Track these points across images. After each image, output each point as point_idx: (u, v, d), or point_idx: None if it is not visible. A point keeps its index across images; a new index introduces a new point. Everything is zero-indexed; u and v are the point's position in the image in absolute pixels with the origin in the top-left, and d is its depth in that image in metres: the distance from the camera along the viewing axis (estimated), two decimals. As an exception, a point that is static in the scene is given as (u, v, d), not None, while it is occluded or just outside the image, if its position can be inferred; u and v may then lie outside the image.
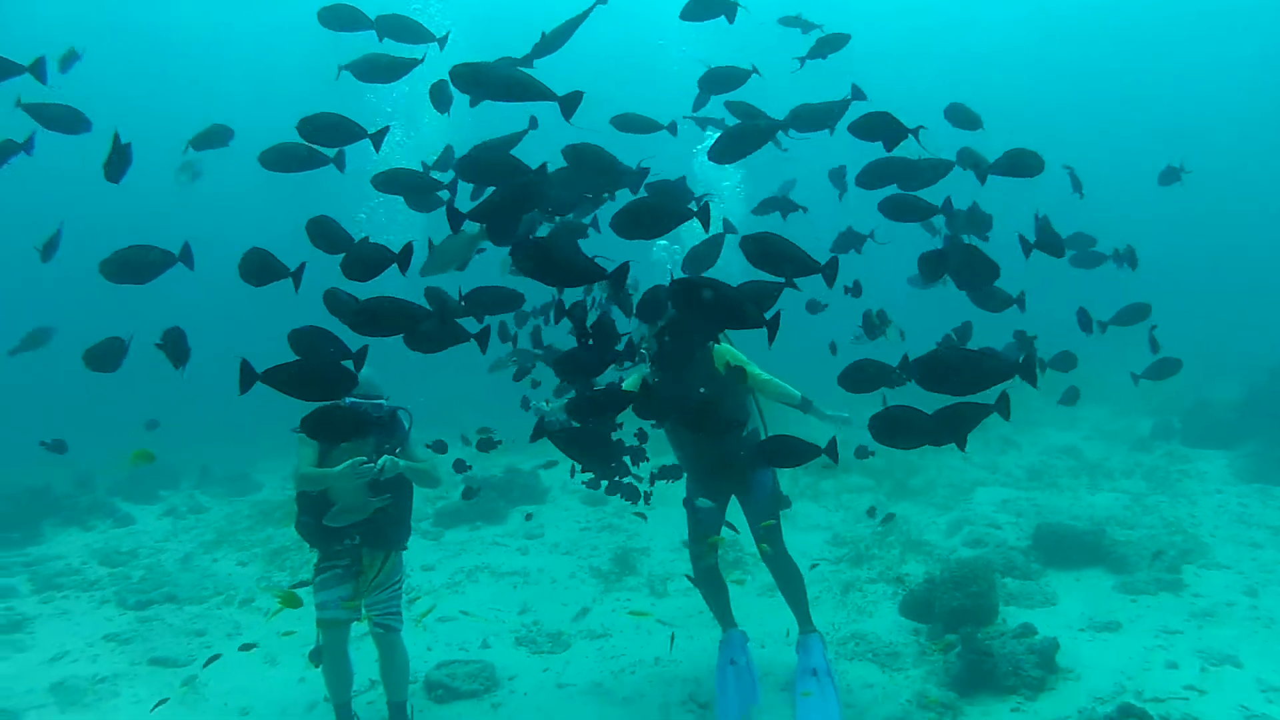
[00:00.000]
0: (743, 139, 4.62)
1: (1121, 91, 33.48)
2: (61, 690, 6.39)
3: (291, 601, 5.37)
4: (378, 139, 4.84)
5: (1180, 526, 9.02)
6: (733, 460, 5.60)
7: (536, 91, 4.18)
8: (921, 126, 4.69)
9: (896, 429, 3.86)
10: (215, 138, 6.23)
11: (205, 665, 6.58)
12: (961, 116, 5.70)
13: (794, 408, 5.64)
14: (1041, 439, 14.50)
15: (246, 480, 14.55)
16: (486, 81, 4.14)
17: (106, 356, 4.45)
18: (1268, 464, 11.03)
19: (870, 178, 4.84)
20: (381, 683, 5.53)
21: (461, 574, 8.96)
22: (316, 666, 5.35)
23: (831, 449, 4.15)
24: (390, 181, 4.84)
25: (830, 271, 3.94)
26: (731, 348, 5.69)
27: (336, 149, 4.60)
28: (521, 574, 8.89)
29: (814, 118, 4.94)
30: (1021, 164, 5.00)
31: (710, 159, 4.71)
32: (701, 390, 5.44)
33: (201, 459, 15.39)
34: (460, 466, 6.43)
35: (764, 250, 3.89)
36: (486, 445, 6.63)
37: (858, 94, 4.96)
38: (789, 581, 5.88)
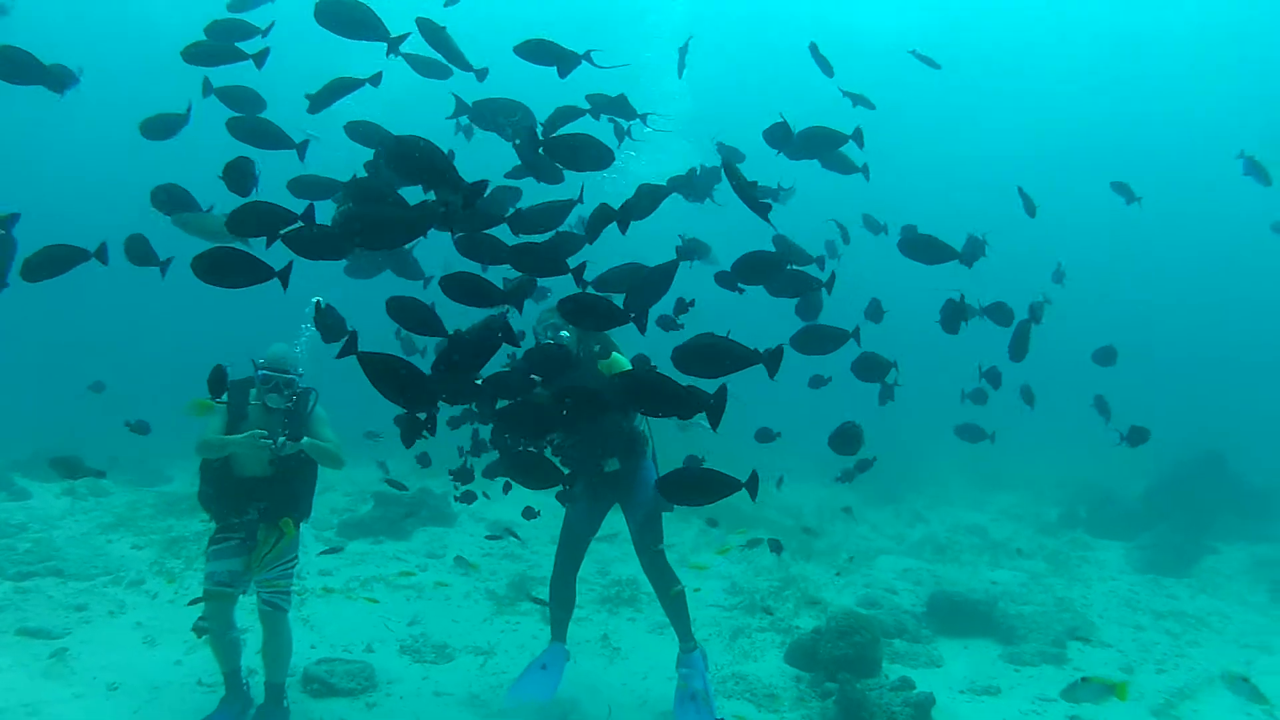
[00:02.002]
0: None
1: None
2: (-90, 650, 6.18)
3: (202, 409, 5.24)
4: (302, 149, 4.96)
5: (1071, 606, 9.27)
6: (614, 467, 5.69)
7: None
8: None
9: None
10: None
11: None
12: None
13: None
14: (951, 516, 14.79)
15: (156, 472, 14.20)
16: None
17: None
18: (1161, 556, 11.47)
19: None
20: (261, 664, 5.48)
21: (356, 582, 8.86)
22: (200, 638, 5.32)
23: (753, 484, 4.00)
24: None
25: (774, 363, 3.93)
26: (620, 357, 5.67)
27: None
28: (417, 589, 8.80)
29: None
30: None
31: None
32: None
33: (113, 450, 14.99)
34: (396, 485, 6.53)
35: (699, 355, 3.92)
36: (464, 476, 6.77)
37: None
38: (668, 592, 5.87)
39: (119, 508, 11.43)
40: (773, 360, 3.90)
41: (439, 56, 6.10)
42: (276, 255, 3.71)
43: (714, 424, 3.76)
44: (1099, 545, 12.87)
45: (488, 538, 6.61)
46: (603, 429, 5.59)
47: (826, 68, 8.00)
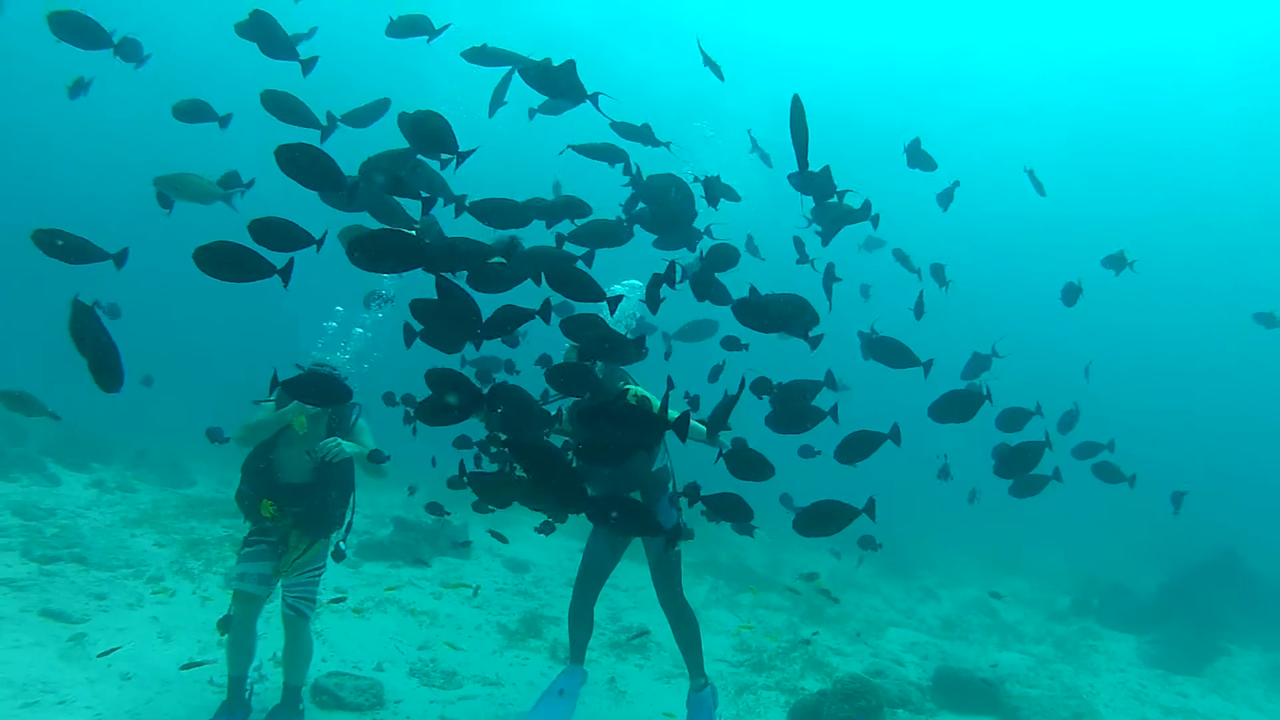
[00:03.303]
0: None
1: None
2: (-67, 620, 6.33)
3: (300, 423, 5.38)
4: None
5: (1078, 694, 9.19)
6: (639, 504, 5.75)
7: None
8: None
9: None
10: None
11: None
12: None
13: (704, 443, 5.52)
14: (961, 594, 14.71)
15: (181, 473, 14.43)
16: None
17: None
18: (1172, 652, 11.33)
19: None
20: (281, 665, 5.61)
21: (371, 602, 8.94)
22: (223, 635, 5.41)
23: (870, 509, 4.20)
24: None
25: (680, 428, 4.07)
26: (640, 389, 5.77)
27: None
28: (430, 615, 8.87)
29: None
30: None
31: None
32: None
33: (141, 442, 15.28)
34: (436, 510, 6.61)
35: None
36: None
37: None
38: (683, 625, 5.92)
39: (144, 505, 11.62)
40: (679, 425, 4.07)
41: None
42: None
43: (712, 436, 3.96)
44: (1110, 636, 12.74)
45: (427, 509, 6.65)
46: (630, 465, 5.69)
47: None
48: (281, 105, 5.21)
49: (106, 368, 3.56)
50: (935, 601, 14.11)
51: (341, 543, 5.64)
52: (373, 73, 23.08)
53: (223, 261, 3.65)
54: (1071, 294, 8.41)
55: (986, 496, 8.30)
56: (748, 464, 4.40)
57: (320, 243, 3.84)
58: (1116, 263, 8.72)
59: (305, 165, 3.94)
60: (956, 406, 5.21)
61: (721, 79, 7.95)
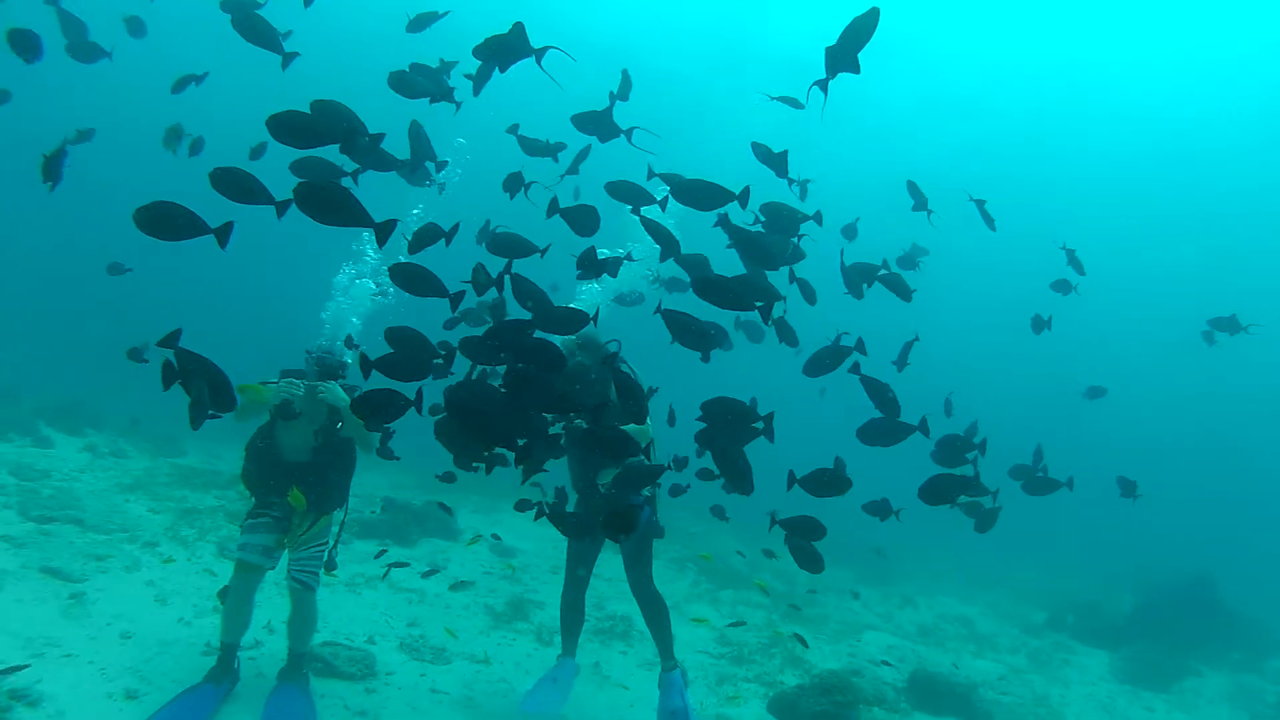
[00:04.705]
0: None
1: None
2: (-62, 573, 6.44)
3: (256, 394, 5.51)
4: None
5: (1048, 703, 9.41)
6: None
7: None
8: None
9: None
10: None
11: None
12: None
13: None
14: (939, 604, 14.92)
15: (173, 443, 14.52)
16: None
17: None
18: (1143, 670, 11.57)
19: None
20: (286, 634, 5.77)
21: (361, 579, 9.07)
22: (221, 603, 5.55)
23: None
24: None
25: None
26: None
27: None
28: (419, 593, 9.01)
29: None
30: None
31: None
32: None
33: (134, 410, 15.34)
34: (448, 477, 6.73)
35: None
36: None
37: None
38: (654, 612, 6.14)
39: (136, 471, 11.71)
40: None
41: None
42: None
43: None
44: (1083, 651, 12.97)
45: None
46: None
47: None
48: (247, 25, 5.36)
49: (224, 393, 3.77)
50: (913, 609, 14.31)
51: (335, 552, 5.83)
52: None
53: (162, 221, 3.66)
54: (1039, 325, 8.68)
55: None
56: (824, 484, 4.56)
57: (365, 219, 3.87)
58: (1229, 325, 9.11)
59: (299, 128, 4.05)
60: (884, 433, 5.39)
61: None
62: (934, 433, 5.66)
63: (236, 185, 3.77)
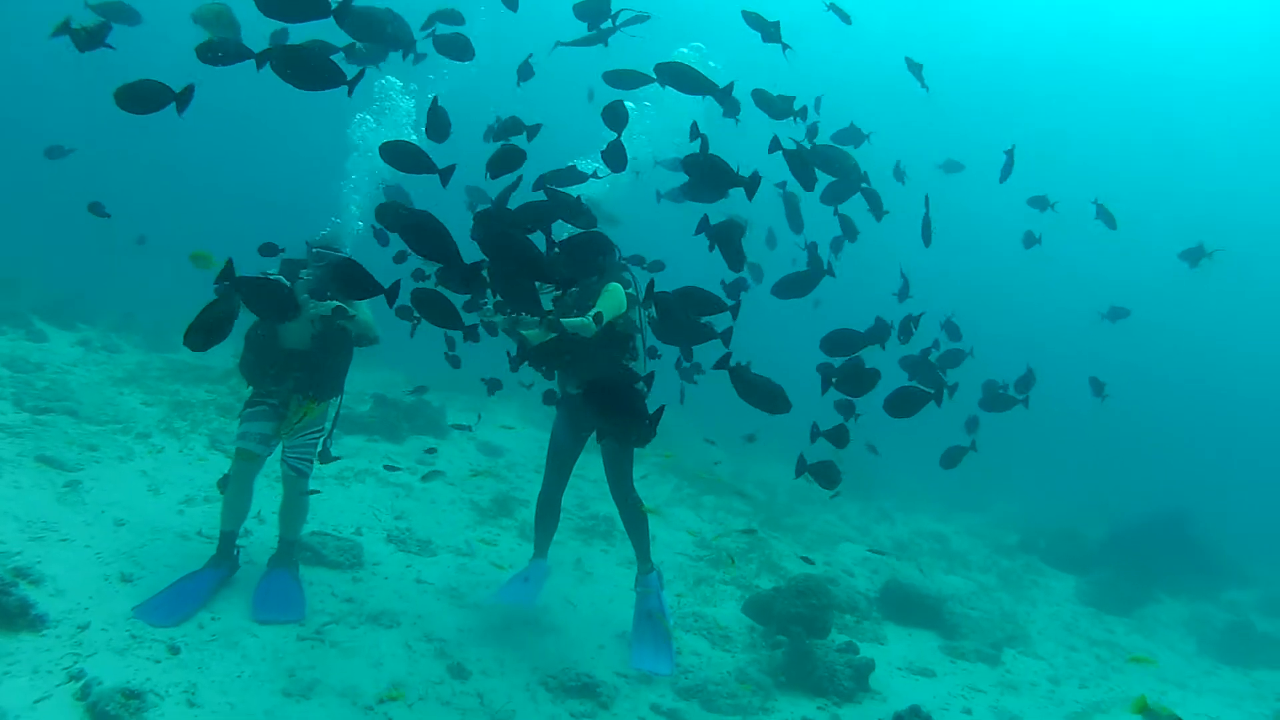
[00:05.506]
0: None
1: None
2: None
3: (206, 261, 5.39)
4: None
5: (1014, 619, 9.73)
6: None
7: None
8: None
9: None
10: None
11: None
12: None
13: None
14: (915, 522, 15.26)
15: (165, 338, 14.56)
16: None
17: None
18: (1107, 594, 11.95)
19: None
20: (277, 522, 5.96)
21: (350, 473, 9.24)
22: (222, 492, 5.73)
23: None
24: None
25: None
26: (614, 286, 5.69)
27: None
28: (405, 488, 9.20)
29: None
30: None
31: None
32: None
33: (128, 306, 15.37)
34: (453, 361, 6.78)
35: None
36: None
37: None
38: (632, 516, 6.24)
39: (129, 365, 11.82)
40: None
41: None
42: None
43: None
44: (1052, 574, 13.33)
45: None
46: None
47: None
48: None
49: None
50: (890, 524, 14.64)
51: (329, 442, 5.96)
52: None
53: (139, 97, 3.89)
54: (1029, 240, 8.74)
55: (958, 435, 8.62)
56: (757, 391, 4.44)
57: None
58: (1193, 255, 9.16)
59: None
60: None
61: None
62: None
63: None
